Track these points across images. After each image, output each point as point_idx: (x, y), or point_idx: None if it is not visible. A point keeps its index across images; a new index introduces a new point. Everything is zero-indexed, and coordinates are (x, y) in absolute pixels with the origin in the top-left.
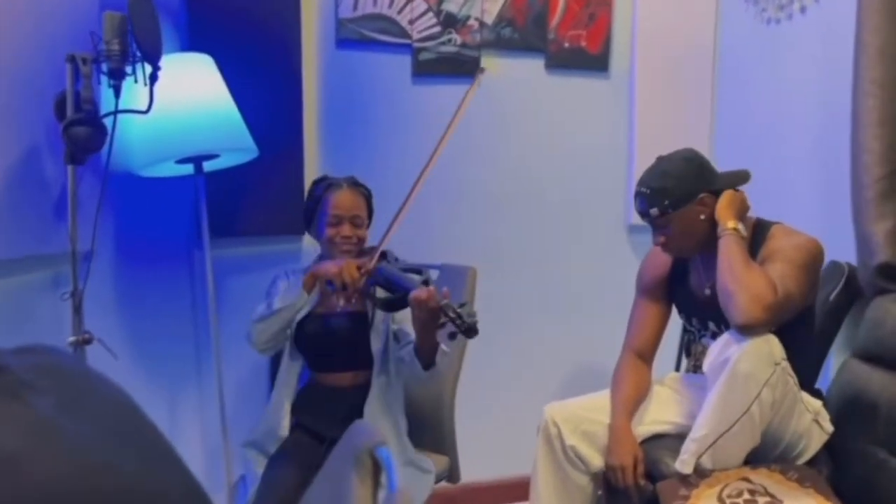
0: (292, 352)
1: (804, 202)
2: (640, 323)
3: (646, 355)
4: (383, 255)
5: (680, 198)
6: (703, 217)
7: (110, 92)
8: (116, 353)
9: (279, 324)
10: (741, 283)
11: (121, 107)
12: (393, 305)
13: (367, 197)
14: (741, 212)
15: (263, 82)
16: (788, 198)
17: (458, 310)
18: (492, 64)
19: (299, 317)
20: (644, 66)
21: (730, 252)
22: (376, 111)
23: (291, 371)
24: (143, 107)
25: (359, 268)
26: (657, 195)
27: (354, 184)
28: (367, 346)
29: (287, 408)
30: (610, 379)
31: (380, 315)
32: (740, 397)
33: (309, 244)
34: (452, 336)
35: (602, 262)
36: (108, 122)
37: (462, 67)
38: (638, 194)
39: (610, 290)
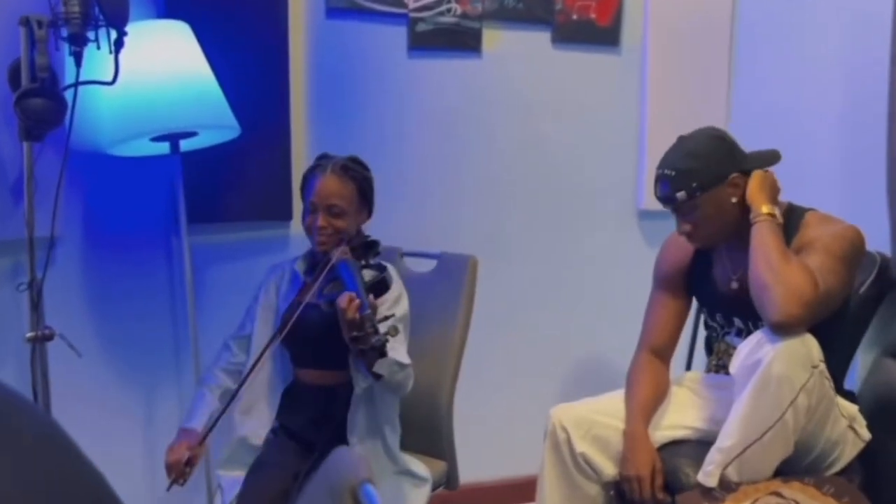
0: (275, 348)
1: (828, 186)
2: (657, 318)
3: (663, 353)
4: (363, 251)
5: (709, 179)
6: (734, 200)
7: (73, 62)
8: (83, 351)
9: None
10: (779, 276)
11: (84, 77)
12: (333, 306)
13: (361, 183)
14: (774, 195)
15: (246, 54)
16: (811, 182)
17: (377, 325)
18: (494, 38)
19: (282, 308)
20: (657, 40)
21: (765, 241)
22: (369, 86)
23: (272, 367)
24: (109, 77)
25: (186, 461)
26: (684, 177)
27: (345, 168)
28: (344, 345)
29: (266, 411)
30: (622, 378)
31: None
32: (773, 403)
33: (297, 231)
34: (362, 353)
35: (611, 250)
36: (70, 94)
37: (462, 40)
38: (660, 178)
39: (620, 281)
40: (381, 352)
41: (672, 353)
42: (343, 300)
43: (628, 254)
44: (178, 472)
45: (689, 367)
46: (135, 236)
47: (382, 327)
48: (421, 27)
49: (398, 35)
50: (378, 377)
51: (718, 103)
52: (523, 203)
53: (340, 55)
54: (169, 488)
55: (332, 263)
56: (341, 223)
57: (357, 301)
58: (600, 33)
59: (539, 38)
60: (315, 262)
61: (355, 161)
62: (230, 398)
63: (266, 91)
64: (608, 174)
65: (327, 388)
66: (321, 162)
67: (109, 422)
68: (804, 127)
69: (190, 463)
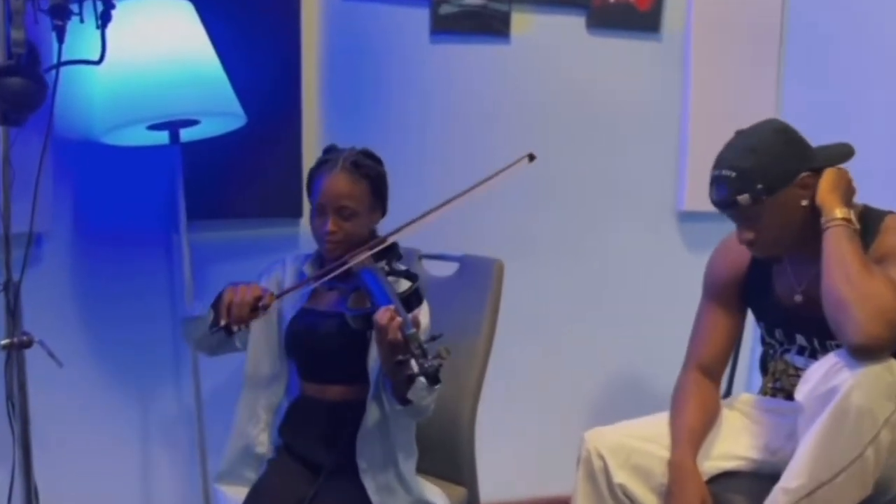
0: (274, 352)
1: (887, 188)
2: (707, 333)
3: (713, 372)
4: (382, 255)
5: (776, 179)
6: (804, 203)
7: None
8: (69, 359)
9: (197, 333)
10: (859, 290)
11: (69, 56)
12: (366, 323)
13: (374, 180)
14: (849, 196)
15: (254, 35)
16: (868, 183)
17: (425, 346)
18: (524, 21)
19: (289, 314)
20: (701, 25)
21: (841, 249)
22: (387, 73)
23: (274, 373)
24: (96, 56)
25: (258, 298)
26: (747, 177)
27: (356, 164)
28: (362, 358)
29: (265, 419)
30: (663, 398)
31: None
32: (851, 438)
33: (307, 230)
34: (410, 379)
35: (648, 255)
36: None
37: (489, 24)
38: (718, 180)
39: (658, 289)
40: (435, 379)
41: (723, 372)
42: (383, 317)
43: (666, 259)
44: (240, 313)
45: (730, 387)
46: (129, 234)
47: (431, 349)
48: (444, 9)
49: (420, 18)
50: (406, 402)
51: (767, 95)
52: (553, 202)
53: (356, 39)
54: (215, 332)
55: (347, 269)
56: (353, 226)
57: (399, 319)
58: (639, 18)
59: (573, 23)
60: (330, 263)
61: (367, 155)
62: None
63: (275, 77)
64: (645, 172)
65: (337, 404)
66: (329, 157)
67: (100, 438)
68: (861, 122)
69: (256, 311)
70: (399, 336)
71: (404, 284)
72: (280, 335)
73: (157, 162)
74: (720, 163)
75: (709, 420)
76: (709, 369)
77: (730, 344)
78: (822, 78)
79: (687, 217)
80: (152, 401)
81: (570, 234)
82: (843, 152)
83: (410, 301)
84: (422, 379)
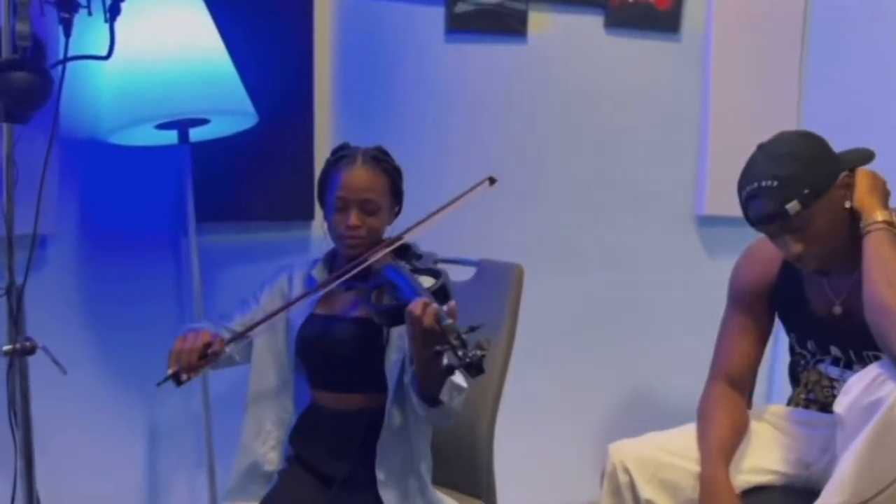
0: (282, 363)
1: None
2: (734, 343)
3: (741, 383)
4: (401, 254)
5: (821, 181)
6: (847, 205)
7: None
8: (75, 365)
9: None
10: None
11: (77, 51)
12: (388, 317)
13: (392, 175)
14: (885, 199)
15: (266, 32)
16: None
17: (464, 336)
18: (541, 21)
19: (298, 321)
20: (722, 26)
21: (884, 254)
22: (401, 73)
23: (281, 385)
24: (104, 51)
25: (206, 346)
26: (792, 184)
27: (375, 158)
28: (379, 363)
29: (275, 434)
30: (685, 408)
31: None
32: None
33: (321, 232)
34: (449, 370)
35: (667, 260)
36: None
37: (505, 23)
38: (757, 193)
39: (676, 295)
40: (479, 369)
41: (751, 383)
42: (416, 307)
43: (685, 265)
44: (189, 360)
45: (749, 398)
46: (137, 236)
47: (471, 340)
48: (460, 7)
49: (434, 16)
50: (436, 403)
51: (789, 97)
52: (568, 206)
53: (370, 37)
54: (162, 382)
55: (366, 269)
56: (376, 222)
57: (434, 307)
58: (659, 18)
59: (591, 22)
60: (342, 267)
61: (383, 151)
62: (253, 324)
63: (287, 75)
64: (664, 175)
65: (350, 413)
66: (346, 152)
67: (104, 446)
68: (884, 127)
69: (204, 358)
70: (436, 325)
71: (428, 282)
72: (287, 344)
73: (166, 162)
74: (754, 176)
75: (738, 433)
76: (736, 380)
77: (757, 354)
78: (844, 79)
79: (706, 222)
80: (158, 408)
81: (585, 239)
82: (864, 155)
83: (438, 297)
84: (458, 375)
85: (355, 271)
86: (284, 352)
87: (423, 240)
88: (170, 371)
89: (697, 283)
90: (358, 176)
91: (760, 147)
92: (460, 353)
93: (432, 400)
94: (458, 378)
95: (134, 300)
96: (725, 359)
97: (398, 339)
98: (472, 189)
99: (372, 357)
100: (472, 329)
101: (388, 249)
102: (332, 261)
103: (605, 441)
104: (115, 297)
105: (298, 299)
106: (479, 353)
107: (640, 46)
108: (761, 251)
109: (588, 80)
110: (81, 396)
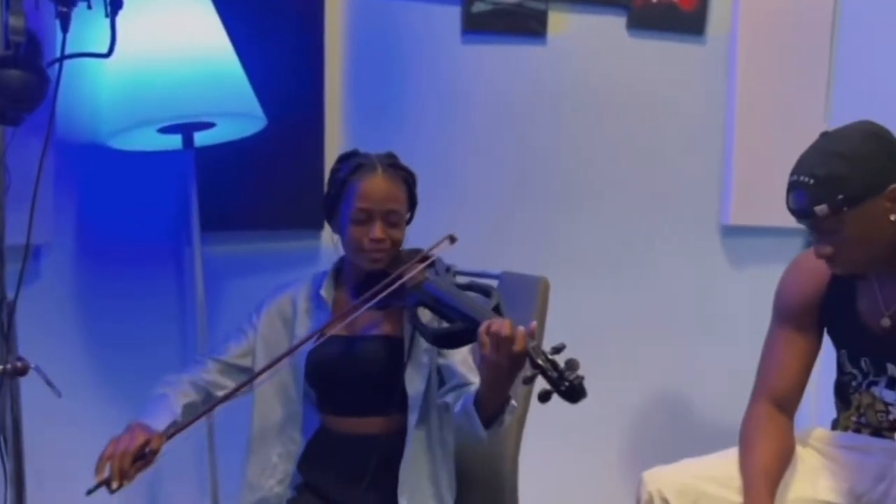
0: (289, 394)
1: None
2: (780, 361)
3: (787, 405)
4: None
5: (860, 190)
6: (893, 218)
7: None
8: (71, 385)
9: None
10: None
11: (75, 47)
12: (451, 340)
13: (410, 184)
14: None
15: (275, 32)
16: None
17: (552, 357)
18: (562, 21)
19: (307, 346)
20: (748, 27)
21: None
22: (415, 75)
23: (288, 417)
24: (104, 48)
25: (142, 447)
26: (826, 186)
27: (394, 166)
28: (400, 384)
29: (281, 467)
30: (713, 428)
31: (421, 343)
32: None
33: (331, 242)
34: (545, 397)
35: (690, 272)
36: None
37: (524, 23)
38: (795, 186)
39: (700, 308)
40: (581, 392)
41: (797, 405)
42: (503, 328)
43: (710, 277)
44: (121, 466)
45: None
46: (137, 247)
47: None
48: (477, 7)
49: (450, 16)
50: (493, 424)
51: (816, 101)
52: (588, 216)
53: (383, 38)
54: (91, 492)
55: (403, 283)
56: (399, 233)
57: (522, 328)
58: (683, 19)
59: (613, 24)
60: (363, 283)
61: (396, 157)
62: (197, 414)
63: (296, 77)
64: (688, 183)
65: (365, 437)
66: (363, 160)
67: None
68: None
69: (142, 460)
70: (524, 348)
71: (480, 297)
72: (294, 373)
73: (169, 168)
74: (799, 167)
75: (784, 459)
76: (782, 401)
77: (805, 373)
78: (875, 83)
79: (732, 232)
80: None
81: (605, 250)
82: None
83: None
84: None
85: (391, 289)
86: (291, 382)
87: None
88: (98, 478)
89: (722, 296)
90: (380, 186)
91: (823, 136)
92: (555, 376)
93: (490, 424)
94: (513, 399)
95: (134, 315)
96: (771, 378)
97: (422, 356)
98: (434, 247)
99: (394, 377)
100: (558, 350)
101: (423, 266)
102: (338, 275)
103: (633, 461)
104: (114, 313)
105: (362, 302)
106: (578, 375)
107: (664, 48)
108: (809, 261)
109: (609, 83)
110: (77, 421)
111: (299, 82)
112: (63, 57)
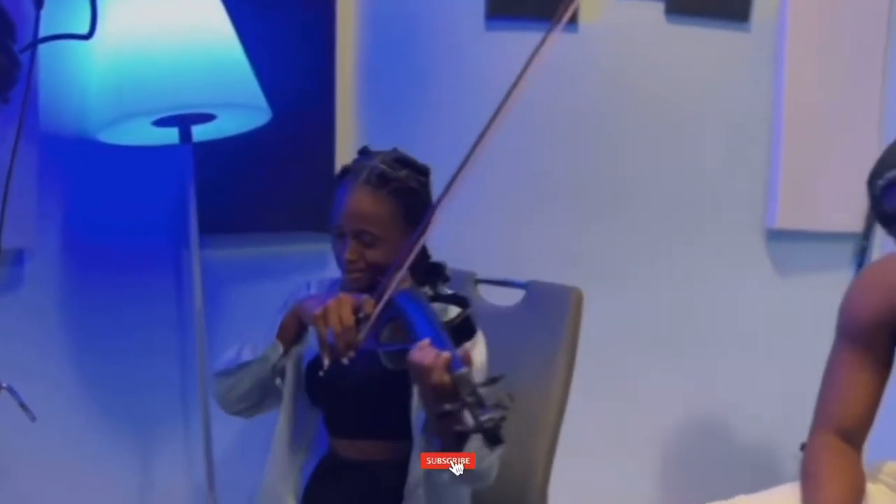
0: (298, 407)
1: None
2: (847, 388)
3: (855, 436)
4: (426, 278)
5: None
6: None
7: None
8: (56, 409)
9: (248, 382)
10: None
11: (54, 30)
12: (402, 361)
13: (406, 197)
14: None
15: (281, 16)
16: None
17: (479, 391)
18: (595, 7)
19: (310, 354)
20: (797, 14)
21: None
22: (435, 64)
23: (300, 433)
24: (85, 29)
25: (356, 309)
26: None
27: (383, 178)
28: (404, 407)
29: (289, 495)
30: (764, 450)
31: None
32: None
33: None
34: (460, 437)
35: (733, 280)
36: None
37: (554, 9)
38: (893, 183)
39: (743, 320)
40: (495, 438)
41: (866, 435)
42: (424, 355)
43: (754, 286)
44: (348, 338)
45: None
46: (130, 251)
47: (489, 396)
48: None
49: (473, 0)
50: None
51: (872, 94)
52: (620, 218)
53: (399, 24)
54: (325, 372)
55: (384, 297)
56: (376, 255)
57: (445, 355)
58: (727, 4)
59: (650, 9)
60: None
61: (401, 163)
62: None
63: (305, 66)
64: (730, 183)
65: (373, 463)
66: (356, 165)
67: (93, 498)
68: None
69: (360, 325)
70: (446, 378)
71: (453, 312)
72: (299, 379)
73: (165, 165)
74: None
75: (855, 498)
76: (848, 433)
77: (875, 401)
78: None
79: (778, 236)
80: (154, 464)
81: (639, 256)
82: None
83: (460, 332)
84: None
85: (381, 304)
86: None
87: (457, 258)
88: (326, 362)
89: (768, 308)
90: (355, 201)
91: None
92: (475, 413)
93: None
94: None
95: (126, 327)
96: (836, 406)
97: None
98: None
99: (397, 399)
100: (493, 380)
101: (398, 274)
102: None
103: (670, 490)
104: (104, 324)
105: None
106: (496, 415)
107: (705, 37)
108: (881, 273)
109: (646, 74)
110: (58, 449)
111: (308, 71)
112: (38, 39)
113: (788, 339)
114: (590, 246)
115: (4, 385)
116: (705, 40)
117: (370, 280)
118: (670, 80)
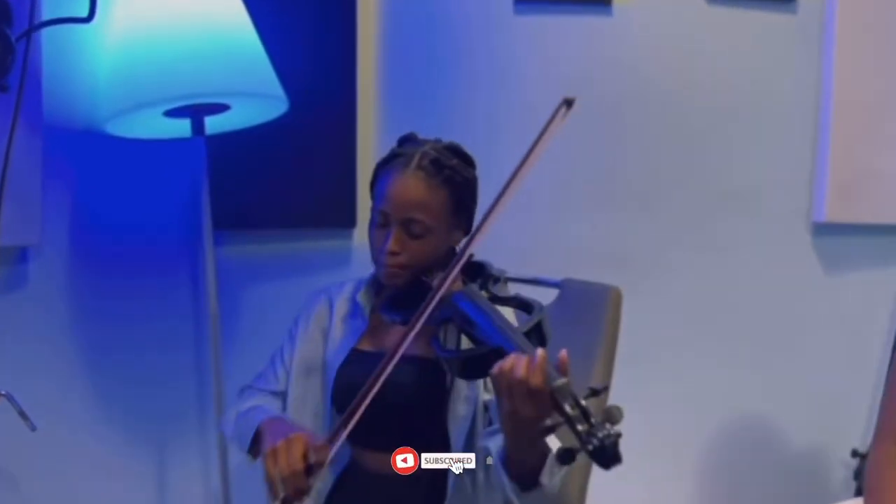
0: (321, 420)
1: None
2: None
3: None
4: (472, 276)
5: None
6: None
7: None
8: (61, 418)
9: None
10: None
11: (56, 14)
12: (474, 369)
13: (459, 189)
14: None
15: (300, 4)
16: None
17: (583, 403)
18: None
19: (337, 360)
20: None
21: None
22: (461, 51)
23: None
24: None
25: (307, 453)
26: None
27: (436, 163)
28: (441, 416)
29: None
30: (819, 465)
31: None
32: None
33: (363, 243)
34: (566, 457)
35: (777, 276)
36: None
37: None
38: None
39: (788, 320)
40: (615, 458)
41: None
42: (516, 365)
43: (800, 283)
44: (296, 483)
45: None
46: (140, 249)
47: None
48: None
49: None
50: (533, 485)
51: None
52: (657, 212)
53: (424, 10)
54: None
55: (435, 295)
56: (421, 248)
57: (541, 364)
58: None
59: None
60: (393, 294)
61: (454, 152)
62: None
63: (324, 54)
64: (774, 174)
65: (399, 479)
66: (405, 150)
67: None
68: None
69: (311, 472)
70: (544, 387)
71: (510, 315)
72: (325, 389)
73: (177, 158)
74: None
75: None
76: None
77: None
78: None
79: (826, 230)
80: (169, 467)
81: (678, 253)
82: None
83: (531, 340)
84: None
85: (431, 307)
86: (321, 403)
87: (483, 256)
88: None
89: (814, 305)
90: (406, 186)
91: None
92: (583, 429)
93: (526, 486)
94: (553, 443)
95: (137, 330)
96: None
97: (467, 387)
98: (551, 121)
99: (433, 408)
100: (595, 392)
101: (453, 273)
102: (378, 282)
103: (713, 498)
104: (113, 326)
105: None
106: (612, 432)
107: (748, 19)
108: None
109: (684, 59)
110: (67, 453)
111: (328, 60)
112: (35, 25)
113: (837, 338)
114: (625, 243)
115: (3, 392)
116: (748, 23)
117: (408, 279)
118: (710, 65)
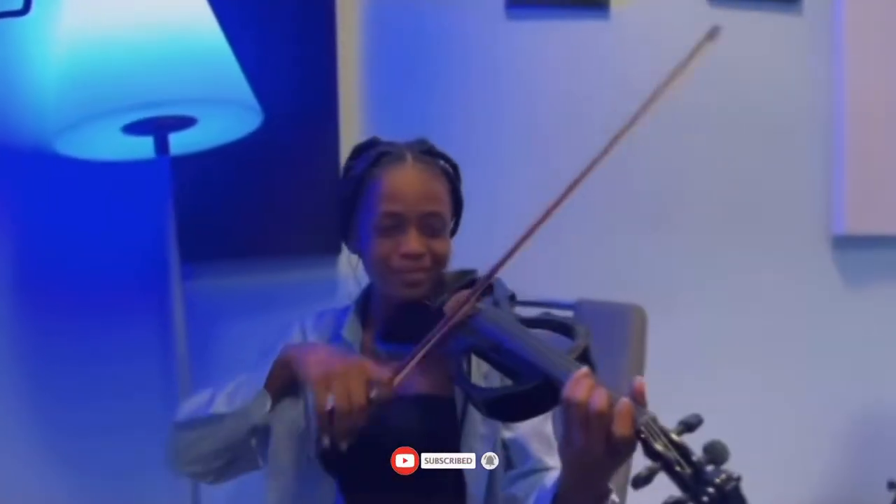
0: (300, 474)
1: None
2: None
3: None
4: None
5: None
6: None
7: None
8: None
9: (218, 441)
10: None
11: None
12: (514, 407)
13: (452, 176)
14: None
15: (275, 12)
16: None
17: (680, 440)
18: None
19: None
20: None
21: None
22: (450, 58)
23: (306, 491)
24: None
25: (370, 383)
26: None
27: (430, 153)
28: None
29: None
30: (848, 487)
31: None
32: None
33: (350, 269)
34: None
35: (795, 291)
36: None
37: None
38: None
39: (807, 335)
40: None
41: None
42: (598, 394)
43: (819, 297)
44: (354, 421)
45: None
46: (98, 285)
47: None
48: None
49: None
50: None
51: None
52: (669, 227)
53: (410, 14)
54: (319, 450)
55: (452, 317)
56: (443, 246)
57: (627, 402)
58: None
59: None
60: (390, 321)
61: (429, 143)
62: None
63: (302, 63)
64: (790, 185)
65: None
66: (386, 148)
67: None
68: None
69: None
70: (630, 426)
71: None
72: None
73: (138, 182)
74: None
75: None
76: None
77: None
78: None
79: (846, 243)
80: None
81: (694, 270)
82: None
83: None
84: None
85: (442, 332)
86: (312, 450)
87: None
88: (325, 441)
89: (836, 320)
90: (414, 179)
91: None
92: (688, 476)
93: None
94: (615, 496)
95: (93, 377)
96: None
97: (480, 426)
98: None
99: (442, 450)
100: (688, 427)
101: (468, 292)
102: (364, 311)
103: None
104: (65, 373)
105: (422, 347)
106: (730, 476)
107: (753, 21)
108: None
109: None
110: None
111: (306, 69)
112: None
113: (860, 354)
114: (638, 261)
115: None
116: (753, 25)
117: (432, 285)
118: (715, 71)
